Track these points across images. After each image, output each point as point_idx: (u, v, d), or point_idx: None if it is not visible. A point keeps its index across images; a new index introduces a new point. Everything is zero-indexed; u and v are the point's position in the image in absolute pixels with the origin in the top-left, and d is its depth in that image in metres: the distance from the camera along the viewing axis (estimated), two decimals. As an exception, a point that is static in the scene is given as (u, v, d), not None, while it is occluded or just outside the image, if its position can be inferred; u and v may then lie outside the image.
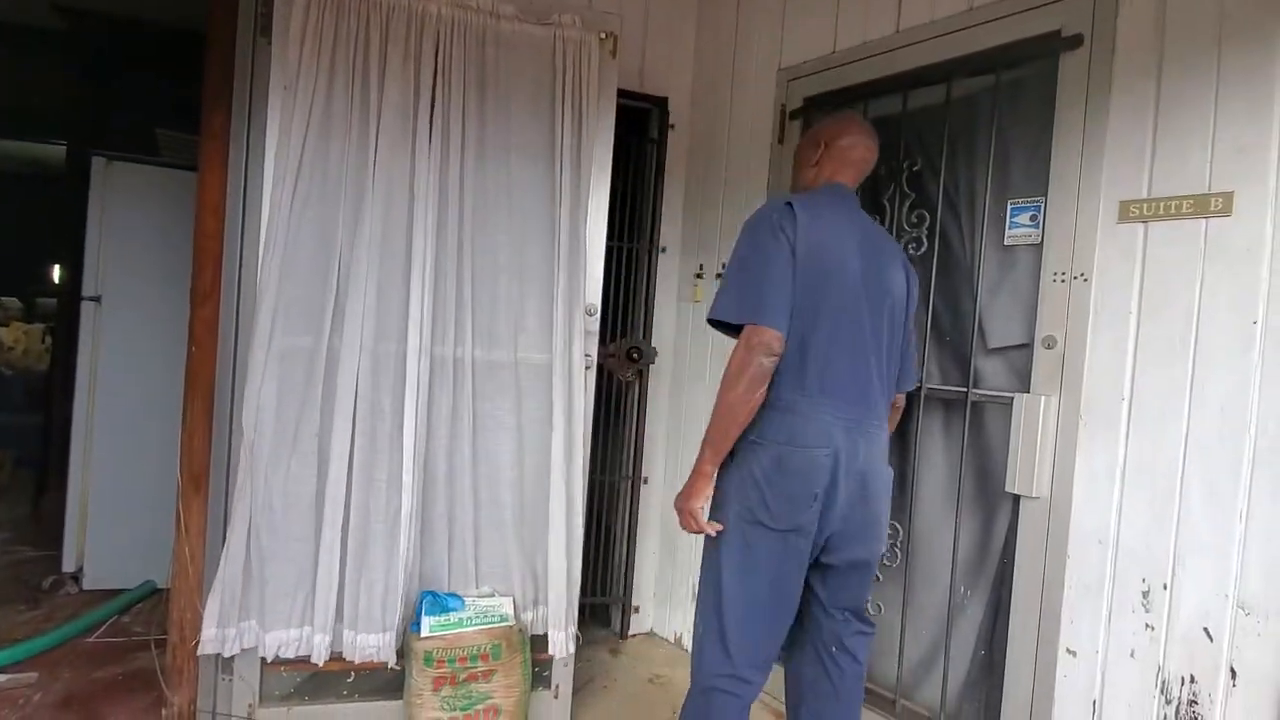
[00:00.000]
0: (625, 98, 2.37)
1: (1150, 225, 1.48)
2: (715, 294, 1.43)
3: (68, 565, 2.75)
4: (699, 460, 1.39)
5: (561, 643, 1.87)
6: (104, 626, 2.43)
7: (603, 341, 2.19)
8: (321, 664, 1.74)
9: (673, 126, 2.62)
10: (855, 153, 1.54)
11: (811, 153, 1.57)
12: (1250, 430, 1.34)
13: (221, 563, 1.70)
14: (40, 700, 1.98)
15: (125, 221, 2.72)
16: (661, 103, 2.59)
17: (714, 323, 1.43)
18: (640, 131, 2.64)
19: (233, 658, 1.77)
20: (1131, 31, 1.52)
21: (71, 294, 2.98)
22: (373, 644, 1.75)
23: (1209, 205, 1.39)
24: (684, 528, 1.43)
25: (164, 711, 1.87)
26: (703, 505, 1.41)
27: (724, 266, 1.58)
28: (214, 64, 1.76)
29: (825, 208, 1.44)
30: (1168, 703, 1.43)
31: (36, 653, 2.20)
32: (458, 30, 1.82)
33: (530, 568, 1.92)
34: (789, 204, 1.40)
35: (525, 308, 1.89)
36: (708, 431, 1.38)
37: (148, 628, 2.43)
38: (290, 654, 1.74)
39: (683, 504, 1.42)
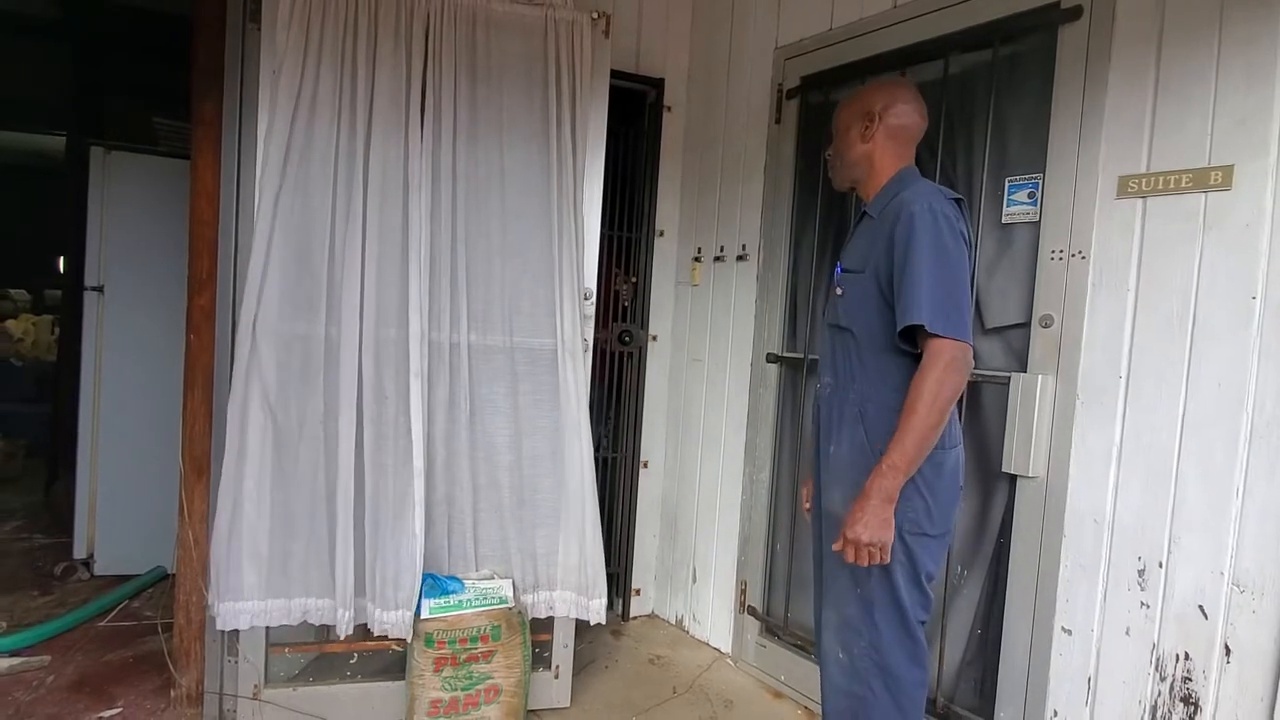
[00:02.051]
0: (620, 79, 2.36)
1: (1149, 200, 1.45)
2: (910, 295, 1.25)
3: (79, 552, 2.79)
4: (886, 488, 1.25)
5: (599, 609, 1.94)
6: (115, 611, 2.48)
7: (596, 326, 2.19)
8: (343, 636, 1.77)
9: (669, 108, 2.59)
10: (912, 121, 1.43)
11: (861, 124, 1.44)
12: (1248, 407, 1.32)
13: (225, 541, 1.72)
14: (53, 682, 2.03)
15: (125, 211, 2.73)
16: (657, 84, 2.57)
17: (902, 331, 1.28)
18: (636, 113, 2.62)
19: (237, 640, 1.80)
20: (1131, 2, 1.48)
21: (75, 284, 3.00)
22: (391, 620, 1.78)
23: (1208, 179, 1.37)
24: (861, 562, 1.27)
25: (172, 693, 1.91)
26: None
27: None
28: (203, 50, 1.76)
29: None
30: (1162, 680, 1.43)
31: (49, 636, 2.25)
32: (448, 12, 1.80)
33: (530, 550, 1.93)
34: (958, 200, 1.33)
35: (519, 292, 1.89)
36: (897, 457, 1.24)
37: (157, 612, 2.47)
38: (316, 620, 1.77)
39: (874, 536, 1.25)
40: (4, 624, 2.33)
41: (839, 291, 1.45)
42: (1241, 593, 1.33)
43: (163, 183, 2.73)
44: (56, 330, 5.13)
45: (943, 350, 1.24)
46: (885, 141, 1.43)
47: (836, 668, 1.42)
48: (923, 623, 1.38)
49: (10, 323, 5.71)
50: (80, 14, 3.35)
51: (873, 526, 1.25)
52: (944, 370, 1.23)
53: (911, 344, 1.31)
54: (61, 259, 4.56)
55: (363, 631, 1.83)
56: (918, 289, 1.25)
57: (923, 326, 1.24)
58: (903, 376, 1.32)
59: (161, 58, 2.95)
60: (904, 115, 1.43)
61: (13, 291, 6.29)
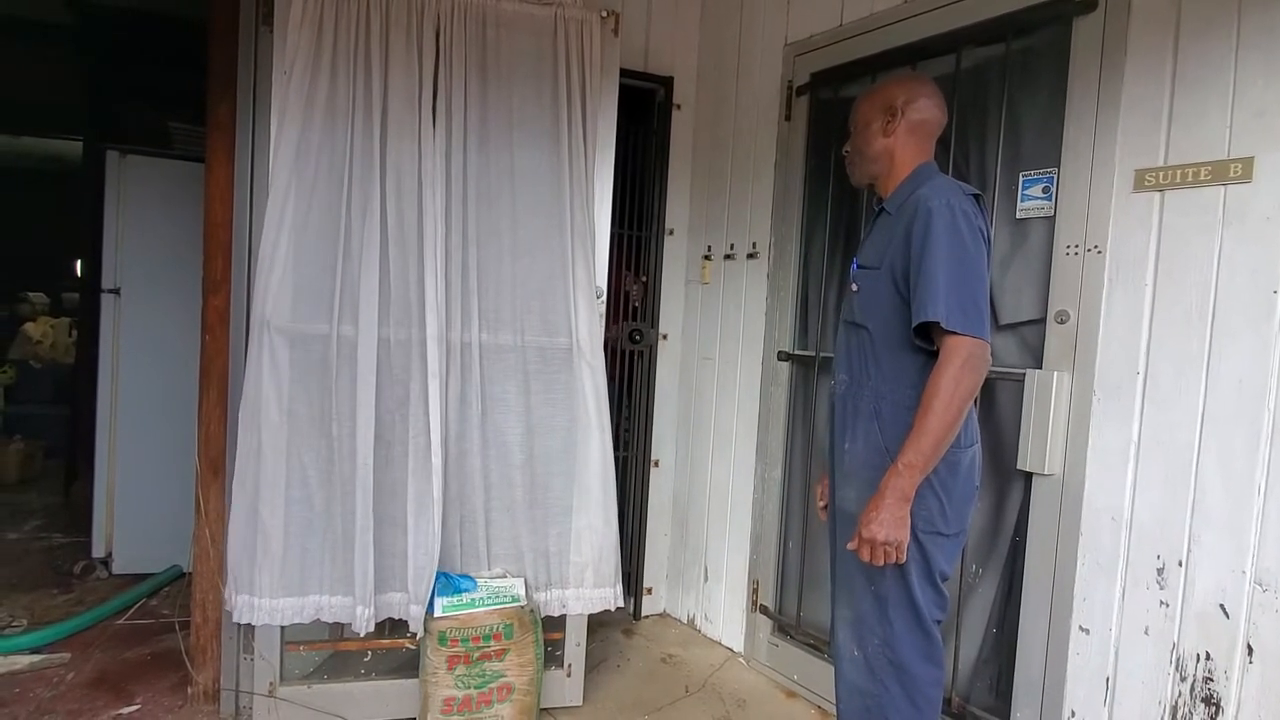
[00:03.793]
0: (630, 77, 2.35)
1: (1166, 194, 1.43)
2: (927, 291, 1.24)
3: (97, 551, 2.83)
4: (902, 487, 1.24)
5: (618, 594, 1.96)
6: (133, 609, 2.51)
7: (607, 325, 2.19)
8: (363, 633, 1.78)
9: (678, 106, 2.59)
10: (933, 116, 1.42)
11: (883, 119, 1.42)
12: (1269, 403, 1.30)
13: (240, 539, 1.73)
14: (73, 680, 2.06)
15: (141, 214, 2.76)
16: (667, 82, 2.56)
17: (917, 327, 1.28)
18: (645, 112, 2.61)
19: (253, 638, 1.82)
20: (1148, -7, 1.46)
21: (92, 287, 3.04)
22: (415, 614, 1.79)
23: (1228, 172, 1.35)
24: (876, 561, 1.26)
25: (189, 690, 1.93)
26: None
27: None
28: (217, 54, 1.78)
29: None
30: (1182, 680, 1.41)
31: (69, 634, 2.28)
32: (458, 12, 1.81)
33: (542, 548, 1.94)
34: (977, 196, 1.33)
35: (530, 291, 1.89)
36: (912, 455, 1.23)
37: (174, 610, 2.50)
38: (329, 619, 1.78)
39: (890, 535, 1.23)
40: (25, 622, 2.37)
41: (854, 288, 1.44)
42: (1264, 591, 1.31)
43: (178, 186, 2.76)
44: (74, 333, 5.19)
45: (959, 347, 1.23)
46: (906, 137, 1.41)
47: (850, 665, 1.41)
48: (938, 622, 1.37)
49: (29, 325, 5.79)
50: (96, 20, 3.39)
51: (888, 525, 1.24)
52: (960, 368, 1.22)
53: (928, 341, 1.30)
54: (79, 262, 4.62)
55: (377, 630, 1.84)
56: (934, 285, 1.24)
57: (939, 323, 1.23)
58: (919, 374, 1.31)
59: (177, 62, 2.98)
60: (925, 110, 1.41)
61: (31, 295, 6.37)
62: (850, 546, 1.30)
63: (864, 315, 1.41)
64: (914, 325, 1.28)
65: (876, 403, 1.38)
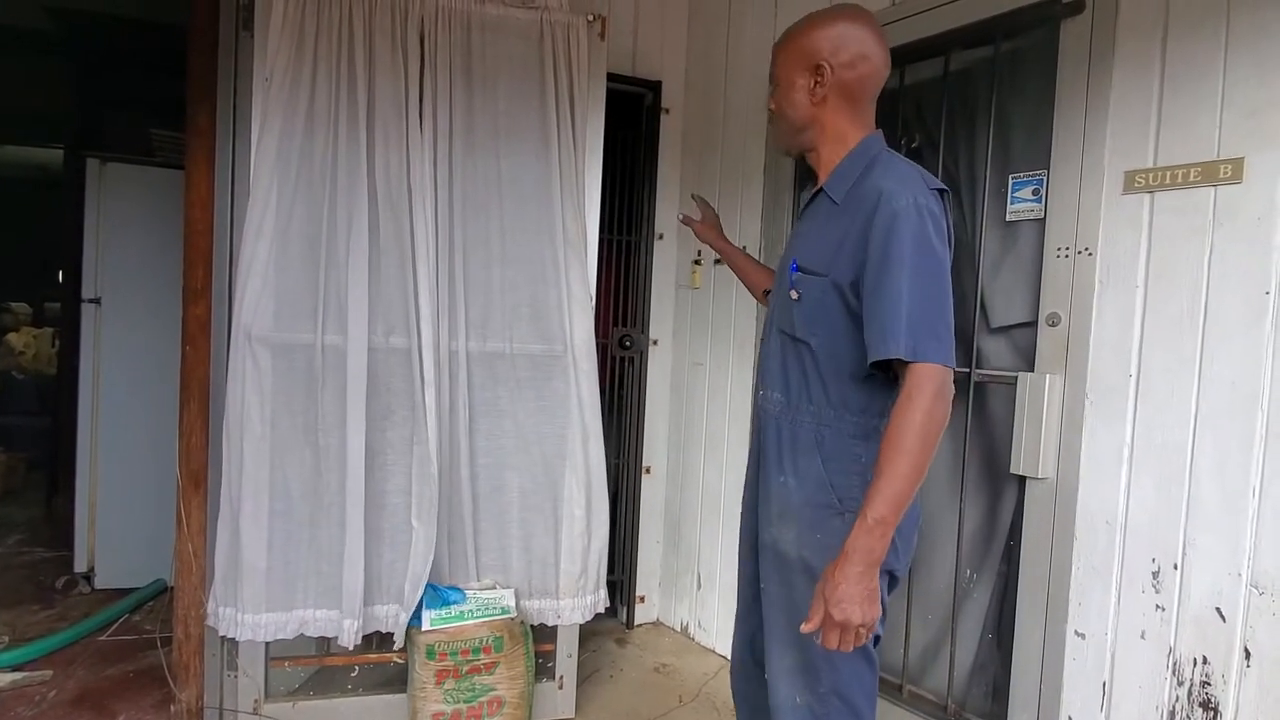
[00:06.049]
0: (618, 82, 2.34)
1: (1157, 195, 1.43)
2: (889, 319, 1.03)
3: (79, 565, 2.78)
4: (874, 549, 1.00)
5: (604, 599, 1.96)
6: (115, 625, 2.46)
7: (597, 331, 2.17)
8: (351, 646, 1.74)
9: (667, 110, 2.57)
10: (871, 69, 1.13)
11: (809, 79, 1.14)
12: (1263, 404, 1.29)
13: (224, 554, 1.70)
14: (55, 697, 2.01)
15: (122, 223, 2.72)
16: (655, 86, 2.55)
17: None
18: (634, 116, 2.60)
19: (237, 654, 1.78)
20: (1135, -6, 1.46)
21: (73, 297, 2.99)
22: (404, 622, 1.77)
23: (1218, 172, 1.34)
24: (844, 648, 1.01)
25: (172, 708, 1.88)
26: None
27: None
28: (197, 59, 1.75)
29: None
30: (1180, 684, 1.39)
31: (51, 651, 2.23)
32: (442, 17, 1.79)
33: (532, 558, 1.91)
34: (941, 191, 1.11)
35: (519, 298, 1.87)
36: (884, 509, 1.00)
37: (157, 626, 2.45)
38: (314, 633, 1.75)
39: (866, 615, 0.99)
40: (6, 638, 2.32)
41: (795, 296, 1.18)
42: (1260, 594, 1.30)
43: (159, 194, 2.73)
44: (57, 343, 5.13)
45: (928, 378, 1.01)
46: (839, 102, 1.14)
47: (794, 715, 1.20)
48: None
49: (12, 336, 5.72)
50: (79, 27, 3.34)
51: (861, 603, 0.99)
52: (932, 401, 1.01)
53: (881, 364, 1.09)
54: (60, 271, 4.56)
55: (364, 644, 1.80)
56: (897, 310, 1.02)
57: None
58: (864, 400, 1.14)
59: (159, 69, 2.94)
60: (861, 64, 1.12)
61: (14, 305, 6.29)
62: (806, 629, 1.04)
63: (806, 329, 1.17)
64: (871, 359, 1.06)
65: (818, 431, 1.17)
